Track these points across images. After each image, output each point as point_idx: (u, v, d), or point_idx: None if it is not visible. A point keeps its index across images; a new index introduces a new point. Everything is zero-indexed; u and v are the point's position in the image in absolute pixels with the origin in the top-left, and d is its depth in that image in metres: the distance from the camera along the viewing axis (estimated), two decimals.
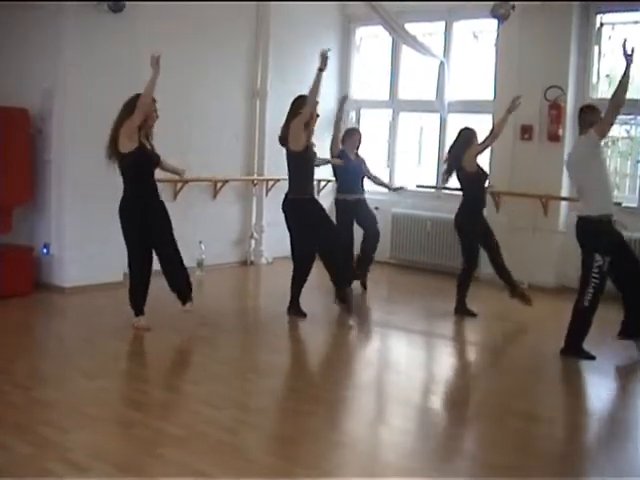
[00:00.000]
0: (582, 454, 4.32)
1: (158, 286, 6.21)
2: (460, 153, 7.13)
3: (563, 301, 5.87)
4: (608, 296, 5.92)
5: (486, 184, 7.48)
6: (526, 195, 8.44)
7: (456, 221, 7.26)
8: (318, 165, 7.25)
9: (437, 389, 5.42)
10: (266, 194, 9.49)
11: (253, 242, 9.48)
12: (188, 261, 8.39)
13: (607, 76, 8.66)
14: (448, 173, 7.33)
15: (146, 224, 6.03)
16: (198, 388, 4.91)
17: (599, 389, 5.61)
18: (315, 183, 9.97)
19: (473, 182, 7.20)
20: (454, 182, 7.42)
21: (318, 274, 7.10)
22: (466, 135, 7.20)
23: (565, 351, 5.91)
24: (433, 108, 9.44)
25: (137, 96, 5.90)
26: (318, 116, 6.83)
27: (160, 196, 6.23)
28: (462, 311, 7.19)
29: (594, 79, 8.59)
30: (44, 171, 7.31)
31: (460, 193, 7.40)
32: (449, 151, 7.40)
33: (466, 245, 7.24)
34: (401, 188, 8.72)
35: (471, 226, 7.17)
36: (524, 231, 8.56)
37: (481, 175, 7.29)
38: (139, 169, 6.01)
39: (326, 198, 10.08)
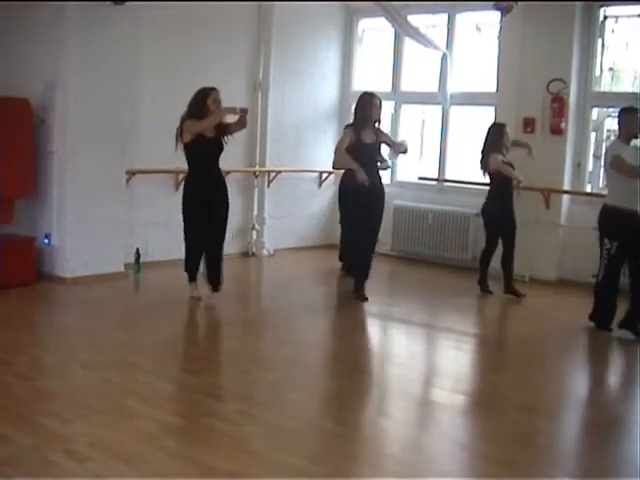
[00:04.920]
0: (582, 451, 4.33)
1: (158, 277, 6.22)
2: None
3: (564, 295, 5.87)
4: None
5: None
6: (528, 188, 8.43)
7: (483, 209, 7.83)
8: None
9: (438, 381, 5.43)
10: (268, 185, 9.49)
11: (254, 233, 9.48)
12: None
13: (610, 69, 8.65)
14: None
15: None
16: (199, 379, 4.92)
17: (603, 383, 5.63)
18: (317, 175, 10.10)
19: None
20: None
21: (319, 265, 7.11)
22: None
23: (595, 325, 6.38)
24: (435, 100, 9.43)
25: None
26: None
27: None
28: (482, 286, 7.79)
29: (597, 72, 8.57)
30: (46, 162, 7.31)
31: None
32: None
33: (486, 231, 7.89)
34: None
35: (489, 217, 7.70)
36: (526, 224, 8.55)
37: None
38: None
39: (328, 189, 10.12)
